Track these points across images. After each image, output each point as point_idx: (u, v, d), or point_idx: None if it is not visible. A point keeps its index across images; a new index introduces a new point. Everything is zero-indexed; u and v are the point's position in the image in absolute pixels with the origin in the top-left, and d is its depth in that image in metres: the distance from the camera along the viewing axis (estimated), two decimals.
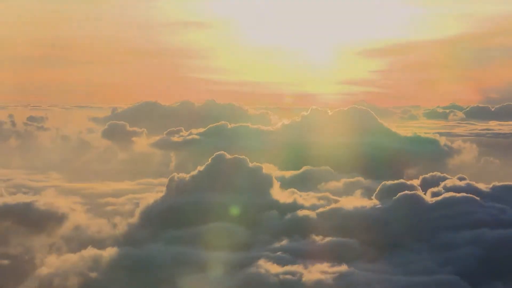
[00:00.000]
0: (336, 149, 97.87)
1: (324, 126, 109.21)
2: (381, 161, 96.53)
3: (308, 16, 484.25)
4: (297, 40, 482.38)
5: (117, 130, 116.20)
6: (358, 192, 64.67)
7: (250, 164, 60.40)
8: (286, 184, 65.84)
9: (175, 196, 58.16)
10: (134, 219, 55.80)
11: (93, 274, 44.58)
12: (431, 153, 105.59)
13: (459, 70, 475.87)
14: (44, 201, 55.29)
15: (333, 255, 47.49)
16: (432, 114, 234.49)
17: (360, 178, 77.57)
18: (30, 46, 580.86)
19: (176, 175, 60.29)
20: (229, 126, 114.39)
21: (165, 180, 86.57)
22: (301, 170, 78.14)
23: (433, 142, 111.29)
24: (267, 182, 60.19)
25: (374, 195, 58.17)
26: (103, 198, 69.73)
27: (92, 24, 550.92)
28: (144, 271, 45.25)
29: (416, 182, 61.51)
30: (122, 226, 54.87)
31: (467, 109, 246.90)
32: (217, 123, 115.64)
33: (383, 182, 59.27)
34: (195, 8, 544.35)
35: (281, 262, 45.82)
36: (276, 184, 60.70)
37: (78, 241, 51.15)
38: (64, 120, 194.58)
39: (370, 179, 77.83)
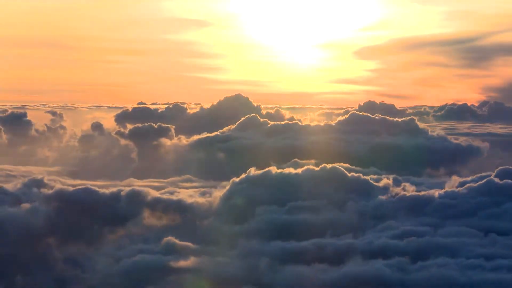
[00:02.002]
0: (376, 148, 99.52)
1: (349, 127, 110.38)
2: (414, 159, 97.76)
3: (305, 14, 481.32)
4: (296, 39, 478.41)
5: (139, 129, 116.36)
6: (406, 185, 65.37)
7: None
8: None
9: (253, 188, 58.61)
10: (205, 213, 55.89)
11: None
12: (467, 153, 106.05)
13: (459, 69, 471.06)
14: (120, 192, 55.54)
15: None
16: (449, 114, 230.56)
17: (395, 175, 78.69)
18: (33, 45, 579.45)
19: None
20: (262, 121, 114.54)
21: (192, 177, 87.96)
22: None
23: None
24: None
25: None
26: None
27: (92, 23, 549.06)
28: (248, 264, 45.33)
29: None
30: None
31: (483, 108, 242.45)
32: (248, 117, 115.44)
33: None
34: (195, 6, 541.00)
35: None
36: None
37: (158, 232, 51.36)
38: (78, 119, 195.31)
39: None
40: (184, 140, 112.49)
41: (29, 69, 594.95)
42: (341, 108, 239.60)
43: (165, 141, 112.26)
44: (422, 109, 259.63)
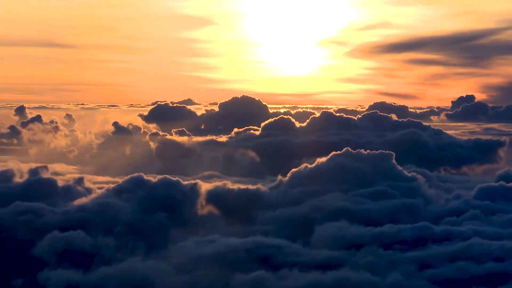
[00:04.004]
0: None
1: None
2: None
3: (304, 14, 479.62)
4: (296, 38, 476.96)
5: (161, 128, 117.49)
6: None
7: None
8: None
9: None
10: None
11: None
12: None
13: (459, 68, 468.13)
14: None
15: None
16: (463, 114, 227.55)
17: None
18: (29, 44, 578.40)
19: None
20: (277, 118, 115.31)
21: (214, 173, 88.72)
22: None
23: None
24: None
25: None
26: None
27: (92, 21, 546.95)
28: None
29: None
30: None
31: (498, 108, 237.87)
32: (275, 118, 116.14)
33: None
34: (196, 4, 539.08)
35: None
36: None
37: None
38: (92, 119, 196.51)
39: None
40: (207, 139, 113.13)
41: (29, 69, 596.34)
42: (351, 107, 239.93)
43: (185, 140, 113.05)
44: (435, 109, 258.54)
